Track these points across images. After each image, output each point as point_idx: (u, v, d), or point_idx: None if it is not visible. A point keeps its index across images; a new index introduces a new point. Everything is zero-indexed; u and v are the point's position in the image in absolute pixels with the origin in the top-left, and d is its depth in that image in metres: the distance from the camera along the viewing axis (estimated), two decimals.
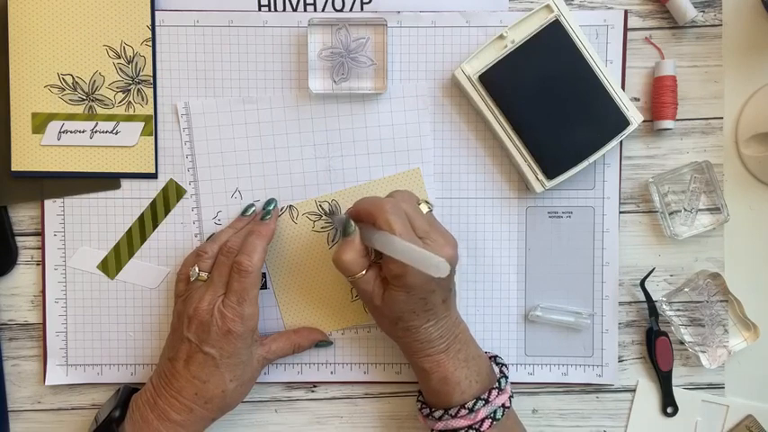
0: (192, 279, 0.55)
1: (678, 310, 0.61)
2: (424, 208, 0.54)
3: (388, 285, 0.52)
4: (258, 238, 0.55)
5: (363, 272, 0.52)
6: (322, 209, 0.60)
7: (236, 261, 0.53)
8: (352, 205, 0.54)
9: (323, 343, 0.60)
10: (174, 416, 0.53)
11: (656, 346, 0.60)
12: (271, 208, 0.58)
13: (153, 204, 0.60)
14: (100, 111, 0.58)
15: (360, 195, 0.59)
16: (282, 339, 0.58)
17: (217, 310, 0.53)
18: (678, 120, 0.60)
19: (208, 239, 0.58)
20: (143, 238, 0.60)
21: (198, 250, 0.56)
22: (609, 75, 0.57)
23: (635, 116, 0.57)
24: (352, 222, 0.52)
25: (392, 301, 0.52)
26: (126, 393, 0.57)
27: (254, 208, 0.59)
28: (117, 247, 0.60)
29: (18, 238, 0.60)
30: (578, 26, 0.56)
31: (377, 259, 0.54)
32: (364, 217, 0.52)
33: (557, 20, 0.56)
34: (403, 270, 0.50)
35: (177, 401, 0.53)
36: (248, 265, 0.53)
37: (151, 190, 0.60)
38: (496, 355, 0.58)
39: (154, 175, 0.59)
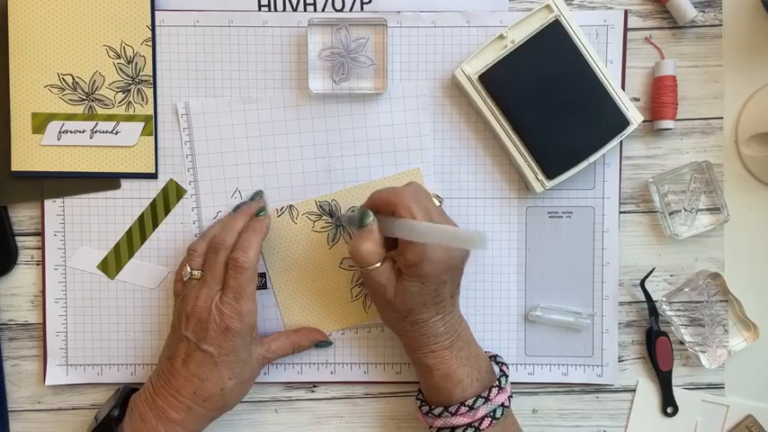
0: (185, 279, 0.55)
1: (678, 310, 0.61)
2: (434, 202, 0.54)
3: (400, 277, 0.52)
4: (253, 234, 0.55)
5: (379, 264, 0.52)
6: (322, 209, 0.60)
7: (231, 257, 0.53)
8: (367, 199, 0.54)
9: (323, 343, 0.60)
10: (172, 415, 0.53)
11: (656, 346, 0.60)
12: (259, 198, 0.58)
13: (153, 204, 0.60)
14: (100, 111, 0.58)
15: (360, 195, 0.59)
16: (282, 339, 0.58)
17: (214, 307, 0.53)
18: (678, 120, 0.60)
19: (198, 237, 0.58)
20: (143, 238, 0.60)
21: (188, 249, 0.56)
22: (609, 75, 0.57)
23: (635, 116, 0.57)
24: (370, 212, 0.52)
25: (405, 292, 0.51)
26: (125, 393, 0.57)
27: (243, 207, 0.58)
28: (117, 247, 0.60)
29: (18, 238, 0.60)
30: (578, 26, 0.56)
31: (390, 253, 0.54)
32: (382, 207, 0.52)
33: (557, 20, 0.56)
34: (420, 258, 0.50)
35: (176, 400, 0.53)
36: (244, 260, 0.53)
37: (151, 190, 0.60)
38: (496, 355, 0.58)
39: (154, 175, 0.59)
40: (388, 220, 0.51)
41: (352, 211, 0.59)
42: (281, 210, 0.60)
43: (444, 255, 0.51)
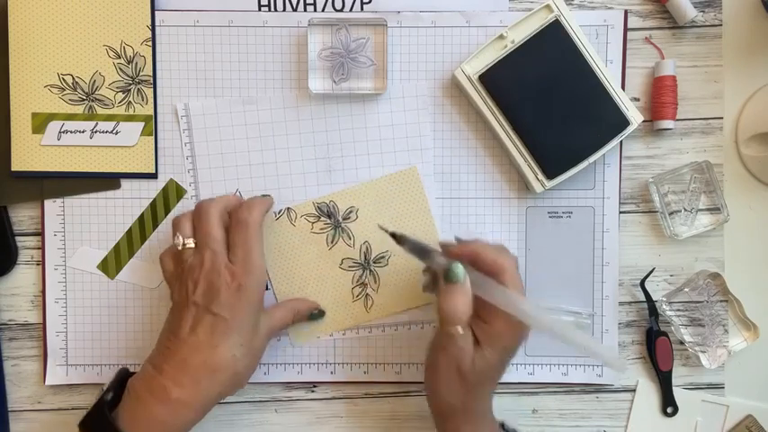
0: (179, 248, 0.52)
1: (678, 310, 0.61)
2: None
3: (478, 346, 0.48)
4: (256, 200, 0.54)
5: (461, 328, 0.47)
6: (320, 210, 0.60)
7: (234, 216, 0.52)
8: (459, 245, 0.50)
9: (316, 314, 0.59)
10: (175, 393, 0.48)
11: (656, 346, 0.60)
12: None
13: (153, 204, 0.60)
14: (100, 111, 0.58)
15: (356, 196, 0.59)
16: (283, 307, 0.57)
17: (224, 268, 0.50)
18: (678, 120, 0.60)
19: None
20: (143, 238, 0.60)
21: (173, 221, 0.54)
22: (609, 75, 0.57)
23: (635, 116, 0.57)
24: (463, 268, 0.48)
25: (484, 364, 0.47)
26: (122, 376, 0.52)
27: None
28: (117, 247, 0.60)
29: (18, 238, 0.60)
30: (578, 26, 0.56)
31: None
32: (479, 263, 0.48)
33: (557, 20, 0.56)
34: (511, 329, 0.47)
35: (182, 374, 0.49)
36: (247, 216, 0.51)
37: (151, 190, 0.60)
38: (503, 422, 0.55)
39: (154, 176, 0.59)
40: (488, 284, 0.47)
41: (418, 243, 0.52)
42: (279, 213, 0.60)
43: (525, 327, 0.48)
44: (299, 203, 0.60)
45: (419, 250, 0.51)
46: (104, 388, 0.52)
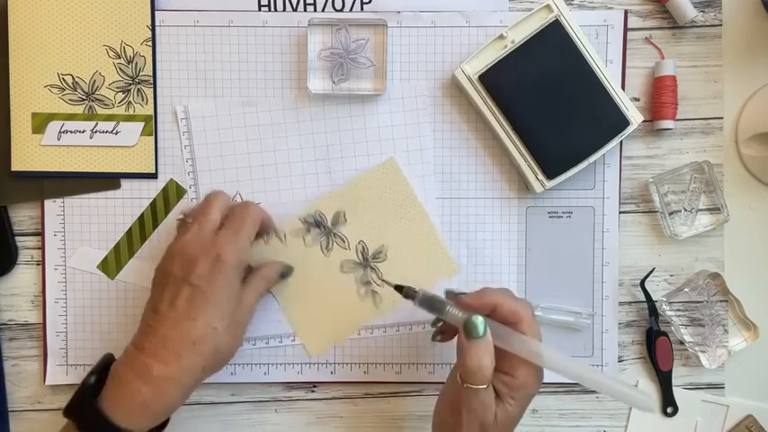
0: (176, 219, 0.53)
1: (678, 310, 0.61)
2: None
3: (501, 399, 0.47)
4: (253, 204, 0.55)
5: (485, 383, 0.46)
6: (307, 222, 0.60)
7: (233, 202, 0.53)
8: (475, 296, 0.49)
9: (286, 272, 0.58)
10: (156, 369, 0.47)
11: (656, 346, 0.60)
12: None
13: (153, 204, 0.60)
14: (100, 111, 0.58)
15: (341, 200, 0.59)
16: (255, 280, 0.55)
17: (205, 238, 0.50)
18: (678, 120, 0.60)
19: None
20: (143, 238, 0.60)
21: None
22: (609, 75, 0.57)
23: (635, 116, 0.57)
24: (482, 319, 0.46)
25: (508, 418, 0.46)
26: (105, 360, 0.51)
27: None
28: (117, 247, 0.60)
29: (18, 238, 0.60)
30: (578, 26, 0.56)
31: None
32: (503, 315, 0.48)
33: (557, 20, 0.56)
34: (534, 379, 0.47)
35: (163, 349, 0.48)
36: (247, 204, 0.53)
37: (151, 190, 0.60)
38: None
39: (154, 176, 0.59)
40: (508, 334, 0.47)
41: (426, 294, 0.50)
42: (267, 236, 0.59)
43: (542, 372, 0.48)
44: (285, 222, 0.59)
45: (430, 303, 0.49)
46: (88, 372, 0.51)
